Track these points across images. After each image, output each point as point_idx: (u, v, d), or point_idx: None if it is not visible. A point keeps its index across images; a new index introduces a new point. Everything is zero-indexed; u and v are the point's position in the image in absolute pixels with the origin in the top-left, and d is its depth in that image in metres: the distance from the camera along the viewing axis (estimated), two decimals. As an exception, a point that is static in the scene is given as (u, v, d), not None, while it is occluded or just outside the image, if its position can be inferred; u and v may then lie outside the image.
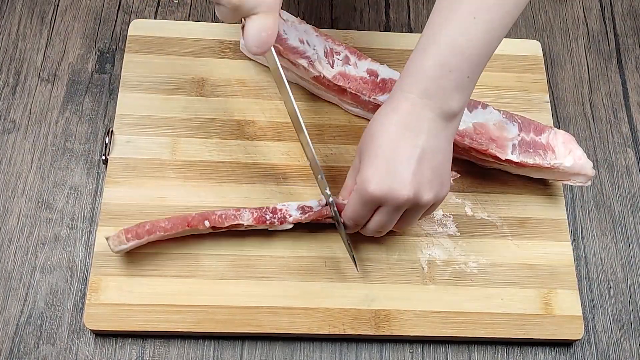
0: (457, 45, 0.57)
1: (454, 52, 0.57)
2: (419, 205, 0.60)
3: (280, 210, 0.67)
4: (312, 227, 0.70)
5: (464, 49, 0.57)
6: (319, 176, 0.66)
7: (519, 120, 0.72)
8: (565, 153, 0.71)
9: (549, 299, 0.70)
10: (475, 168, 0.75)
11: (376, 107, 0.73)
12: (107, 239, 0.65)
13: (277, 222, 0.67)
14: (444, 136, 0.60)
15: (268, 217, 0.66)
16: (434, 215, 0.73)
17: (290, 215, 0.67)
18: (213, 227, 0.66)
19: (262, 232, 0.70)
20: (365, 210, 0.62)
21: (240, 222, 0.66)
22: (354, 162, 0.64)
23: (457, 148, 0.73)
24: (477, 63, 0.58)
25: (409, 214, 0.62)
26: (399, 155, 0.58)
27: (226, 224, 0.66)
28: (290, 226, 0.67)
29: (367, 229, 0.65)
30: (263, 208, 0.67)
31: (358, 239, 0.71)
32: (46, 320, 0.67)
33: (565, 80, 0.85)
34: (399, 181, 0.58)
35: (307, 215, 0.67)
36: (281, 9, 0.76)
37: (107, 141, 0.72)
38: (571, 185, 0.78)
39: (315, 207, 0.67)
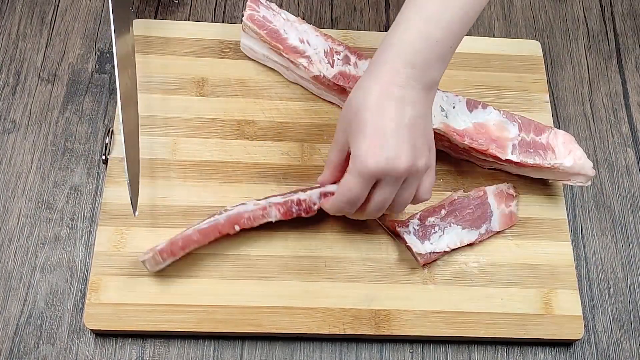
0: (441, 19, 0.59)
1: (438, 25, 0.59)
2: (417, 172, 0.61)
3: (305, 200, 0.67)
4: (312, 227, 0.70)
5: (448, 21, 0.59)
6: None
7: (519, 120, 0.72)
8: (565, 153, 0.71)
9: (549, 298, 0.70)
10: (475, 168, 0.75)
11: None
12: (143, 262, 0.65)
13: (303, 213, 0.67)
14: (426, 104, 0.61)
15: (294, 209, 0.67)
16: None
17: (315, 204, 0.67)
18: (242, 229, 0.67)
19: (262, 232, 0.70)
20: (364, 189, 0.61)
21: (269, 220, 0.67)
22: (336, 137, 0.63)
23: (457, 148, 0.73)
24: (459, 33, 0.61)
25: (406, 185, 0.62)
26: (389, 126, 0.59)
27: (255, 224, 0.67)
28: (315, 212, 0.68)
29: (369, 209, 0.63)
30: (288, 202, 0.67)
31: (358, 239, 0.71)
32: (46, 320, 0.68)
33: (565, 80, 0.85)
34: (394, 151, 0.58)
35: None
36: (281, 8, 0.76)
37: (107, 141, 0.72)
38: (571, 185, 0.78)
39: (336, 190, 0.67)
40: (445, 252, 0.70)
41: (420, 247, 0.68)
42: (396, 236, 0.70)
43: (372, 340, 0.69)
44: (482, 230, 0.71)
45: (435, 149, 0.63)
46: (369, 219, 0.69)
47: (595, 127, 0.82)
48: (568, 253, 0.72)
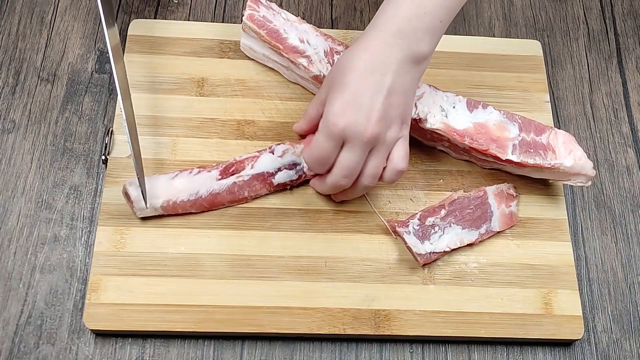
0: None
1: None
2: (384, 142, 0.62)
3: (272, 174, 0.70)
4: (312, 227, 0.70)
5: None
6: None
7: (519, 120, 0.72)
8: (566, 153, 0.70)
9: (549, 299, 0.70)
10: (475, 168, 0.75)
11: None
12: (132, 202, 0.67)
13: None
14: (410, 78, 0.62)
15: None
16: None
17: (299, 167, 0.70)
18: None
19: (262, 231, 0.70)
20: (332, 148, 0.62)
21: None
22: (320, 92, 0.66)
23: (457, 148, 0.73)
24: (451, 8, 0.62)
25: (375, 153, 0.63)
26: (366, 92, 0.60)
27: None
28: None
29: (333, 174, 0.64)
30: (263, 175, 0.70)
31: (358, 238, 0.71)
32: (46, 320, 0.67)
33: (566, 80, 0.85)
34: (364, 116, 0.60)
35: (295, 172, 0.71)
36: (281, 8, 0.76)
37: (107, 141, 0.72)
38: (571, 185, 0.78)
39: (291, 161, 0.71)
40: (445, 252, 0.70)
41: (420, 247, 0.68)
42: (396, 235, 0.71)
43: (372, 340, 0.69)
44: (482, 230, 0.71)
45: (410, 126, 0.65)
46: (355, 197, 0.70)
47: (595, 127, 0.82)
48: (568, 253, 0.72)
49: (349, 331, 0.67)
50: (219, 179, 0.69)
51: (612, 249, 0.75)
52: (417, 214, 0.70)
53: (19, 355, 0.66)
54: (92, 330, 0.66)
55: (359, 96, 0.60)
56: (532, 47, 0.83)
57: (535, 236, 0.73)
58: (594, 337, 0.71)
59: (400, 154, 0.64)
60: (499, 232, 0.72)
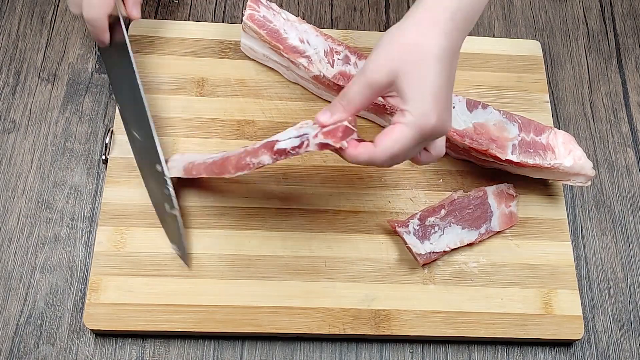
0: None
1: None
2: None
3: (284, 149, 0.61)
4: (312, 227, 0.70)
5: None
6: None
7: (519, 121, 0.72)
8: (565, 153, 0.71)
9: (549, 298, 0.70)
10: (475, 168, 0.75)
11: (376, 106, 0.73)
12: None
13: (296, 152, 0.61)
14: None
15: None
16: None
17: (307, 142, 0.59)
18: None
19: (261, 231, 0.70)
20: (417, 143, 0.56)
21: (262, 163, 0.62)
22: (375, 77, 0.56)
23: (457, 148, 0.73)
24: (477, 8, 0.59)
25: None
26: (447, 84, 0.55)
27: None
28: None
29: (396, 160, 0.58)
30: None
31: (358, 238, 0.71)
32: (46, 320, 0.67)
33: (565, 80, 0.85)
34: (449, 112, 0.56)
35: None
36: (281, 8, 0.76)
37: (107, 141, 0.72)
38: (571, 185, 0.78)
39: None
40: (445, 252, 0.70)
41: (420, 247, 0.68)
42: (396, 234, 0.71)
43: (372, 340, 0.69)
44: (482, 230, 0.71)
45: None
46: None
47: (595, 127, 0.82)
48: (568, 253, 0.72)
49: (349, 331, 0.67)
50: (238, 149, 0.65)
51: (612, 249, 0.76)
52: (417, 214, 0.70)
53: (19, 355, 0.66)
54: (92, 330, 0.66)
55: (442, 88, 0.55)
56: (531, 47, 0.83)
57: (535, 236, 0.73)
58: (594, 337, 0.71)
59: (443, 142, 0.61)
60: (498, 232, 0.72)
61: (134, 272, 0.67)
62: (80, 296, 0.69)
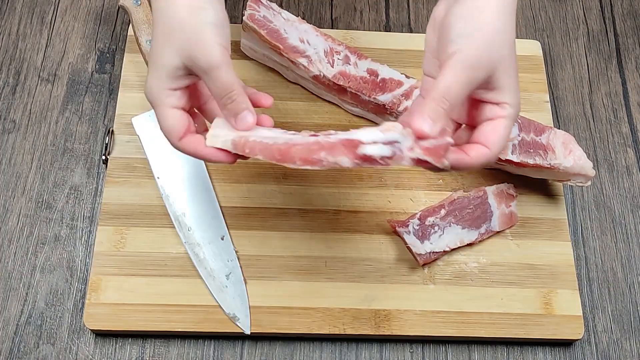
0: None
1: None
2: None
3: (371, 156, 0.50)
4: (312, 227, 0.70)
5: None
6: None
7: (519, 121, 0.72)
8: (565, 153, 0.71)
9: (549, 298, 0.70)
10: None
11: (376, 106, 0.73)
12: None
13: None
14: None
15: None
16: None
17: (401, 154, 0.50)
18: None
19: (261, 231, 0.70)
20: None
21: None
22: (473, 74, 0.50)
23: (457, 148, 0.73)
24: None
25: None
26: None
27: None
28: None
29: (495, 152, 0.54)
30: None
31: (358, 239, 0.71)
32: (46, 320, 0.67)
33: (565, 80, 0.85)
34: None
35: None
36: (281, 8, 0.76)
37: (107, 141, 0.72)
38: (571, 185, 0.78)
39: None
40: (445, 252, 0.70)
41: (419, 247, 0.68)
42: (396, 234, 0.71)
43: (372, 340, 0.69)
44: (482, 230, 0.71)
45: None
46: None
47: (595, 127, 0.82)
48: (568, 253, 0.72)
49: (349, 331, 0.67)
50: (304, 136, 0.54)
51: (612, 249, 0.76)
52: (417, 213, 0.70)
53: (19, 355, 0.66)
54: (92, 330, 0.66)
55: (517, 76, 0.54)
56: (531, 47, 0.83)
57: (535, 236, 0.73)
58: (594, 337, 0.71)
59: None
60: (498, 232, 0.72)
61: (134, 272, 0.67)
62: (80, 296, 0.69)
